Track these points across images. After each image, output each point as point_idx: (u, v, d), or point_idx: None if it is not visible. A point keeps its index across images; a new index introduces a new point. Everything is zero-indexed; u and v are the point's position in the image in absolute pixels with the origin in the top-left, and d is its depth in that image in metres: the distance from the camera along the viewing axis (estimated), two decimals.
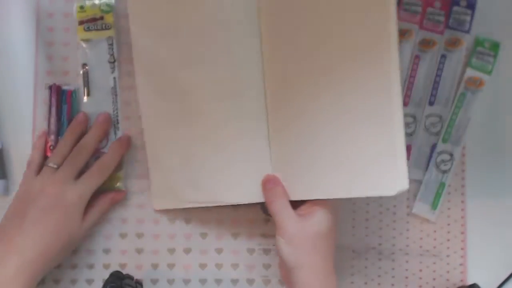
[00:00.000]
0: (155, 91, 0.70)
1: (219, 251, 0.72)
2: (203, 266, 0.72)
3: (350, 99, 0.61)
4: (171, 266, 0.72)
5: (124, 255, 0.72)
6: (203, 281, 0.72)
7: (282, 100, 0.66)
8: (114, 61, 0.72)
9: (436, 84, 0.74)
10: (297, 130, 0.65)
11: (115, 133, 0.72)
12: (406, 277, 0.72)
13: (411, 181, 0.69)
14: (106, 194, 0.71)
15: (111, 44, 0.72)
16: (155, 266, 0.72)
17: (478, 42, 0.74)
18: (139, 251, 0.72)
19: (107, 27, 0.72)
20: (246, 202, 0.68)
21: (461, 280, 0.72)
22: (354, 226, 0.73)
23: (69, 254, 0.70)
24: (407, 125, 0.73)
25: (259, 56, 0.66)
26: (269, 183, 0.66)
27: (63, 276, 0.72)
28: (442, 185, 0.73)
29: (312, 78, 0.63)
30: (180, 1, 0.67)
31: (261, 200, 0.66)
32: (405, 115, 0.73)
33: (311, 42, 0.63)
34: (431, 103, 0.73)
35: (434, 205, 0.73)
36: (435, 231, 0.73)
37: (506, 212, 0.73)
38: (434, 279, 0.72)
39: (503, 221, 0.73)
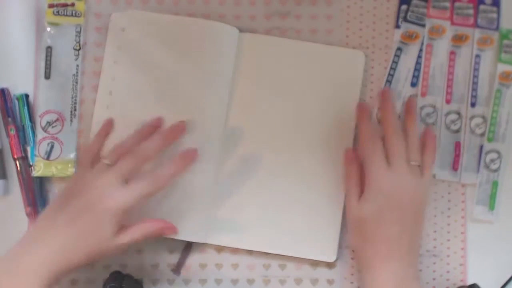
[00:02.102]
0: (112, 112, 0.72)
1: (219, 250, 0.72)
2: (203, 266, 0.72)
3: (309, 167, 0.71)
4: (171, 266, 0.72)
5: (124, 255, 0.72)
6: (203, 281, 0.72)
7: (237, 149, 0.72)
8: (80, 49, 0.73)
9: (474, 85, 0.74)
10: (247, 181, 0.72)
11: (71, 120, 0.72)
12: None
13: (466, 185, 0.73)
14: (157, 220, 0.67)
15: (79, 32, 0.73)
16: (155, 266, 0.72)
17: (502, 35, 0.74)
18: (139, 251, 0.72)
19: (77, 15, 0.72)
20: (181, 239, 0.70)
21: (461, 280, 0.72)
22: None
23: (97, 262, 0.68)
24: (452, 122, 0.73)
25: (224, 107, 0.72)
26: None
27: None
28: (495, 184, 0.73)
29: (275, 145, 0.72)
30: (163, 42, 0.72)
31: (195, 240, 0.70)
32: (449, 112, 0.73)
33: (281, 107, 0.72)
34: (472, 105, 0.73)
35: (491, 206, 0.72)
36: (435, 231, 0.73)
37: (506, 212, 0.73)
38: (434, 279, 0.72)
39: (503, 221, 0.73)
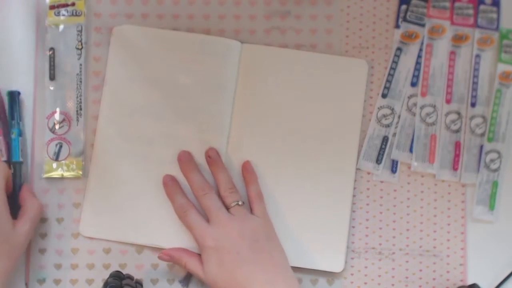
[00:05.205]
0: (116, 126, 0.72)
1: None
2: None
3: (313, 177, 0.71)
4: (171, 266, 0.72)
5: (124, 255, 0.72)
6: (202, 282, 0.72)
7: (241, 161, 0.72)
8: (82, 47, 0.73)
9: (474, 85, 0.74)
10: None
11: (78, 120, 0.72)
12: (406, 277, 0.72)
13: (466, 185, 0.73)
14: (28, 189, 0.70)
15: (80, 31, 0.73)
16: (155, 266, 0.72)
17: (502, 35, 0.74)
18: (139, 251, 0.72)
19: (77, 14, 0.73)
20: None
21: (461, 280, 0.72)
22: (354, 226, 0.73)
23: (13, 260, 0.66)
24: (452, 122, 0.73)
25: (228, 120, 0.72)
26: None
27: (63, 276, 0.72)
28: (495, 184, 0.73)
29: (279, 157, 0.72)
30: (165, 57, 0.73)
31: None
32: (449, 112, 0.74)
33: (285, 118, 0.72)
34: (472, 105, 0.73)
35: (491, 206, 0.73)
36: (435, 231, 0.73)
37: (506, 212, 0.73)
38: (434, 279, 0.72)
39: (503, 221, 0.73)
